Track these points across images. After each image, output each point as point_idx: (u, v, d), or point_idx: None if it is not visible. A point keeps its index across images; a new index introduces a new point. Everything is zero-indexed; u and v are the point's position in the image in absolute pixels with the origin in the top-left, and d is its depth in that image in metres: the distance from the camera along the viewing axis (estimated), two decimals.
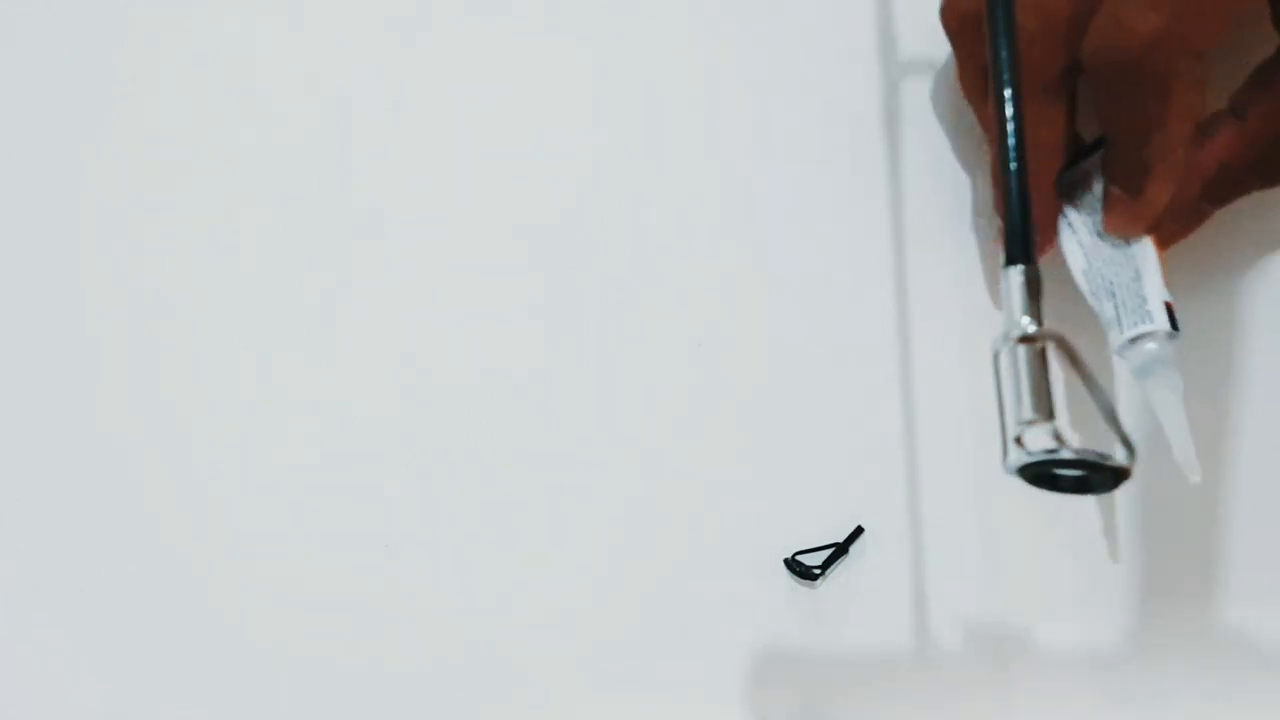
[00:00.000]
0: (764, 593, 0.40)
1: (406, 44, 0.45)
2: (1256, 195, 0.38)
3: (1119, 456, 0.29)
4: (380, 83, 0.44)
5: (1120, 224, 0.37)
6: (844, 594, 0.40)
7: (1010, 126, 0.30)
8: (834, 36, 0.43)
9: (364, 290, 0.43)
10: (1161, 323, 0.35)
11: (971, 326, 0.41)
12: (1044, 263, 0.30)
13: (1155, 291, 0.36)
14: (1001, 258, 0.30)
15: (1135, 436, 0.29)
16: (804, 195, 0.42)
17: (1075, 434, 0.37)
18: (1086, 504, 0.40)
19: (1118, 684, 0.39)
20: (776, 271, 0.42)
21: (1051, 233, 0.38)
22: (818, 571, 0.40)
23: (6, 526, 0.42)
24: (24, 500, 0.42)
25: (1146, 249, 0.37)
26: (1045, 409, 0.28)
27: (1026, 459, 0.29)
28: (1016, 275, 0.29)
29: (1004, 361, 0.29)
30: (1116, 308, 0.36)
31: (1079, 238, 0.38)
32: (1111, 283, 0.37)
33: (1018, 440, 0.29)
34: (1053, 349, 0.29)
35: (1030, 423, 0.29)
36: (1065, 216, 0.38)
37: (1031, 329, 0.29)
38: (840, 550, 0.40)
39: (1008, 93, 0.30)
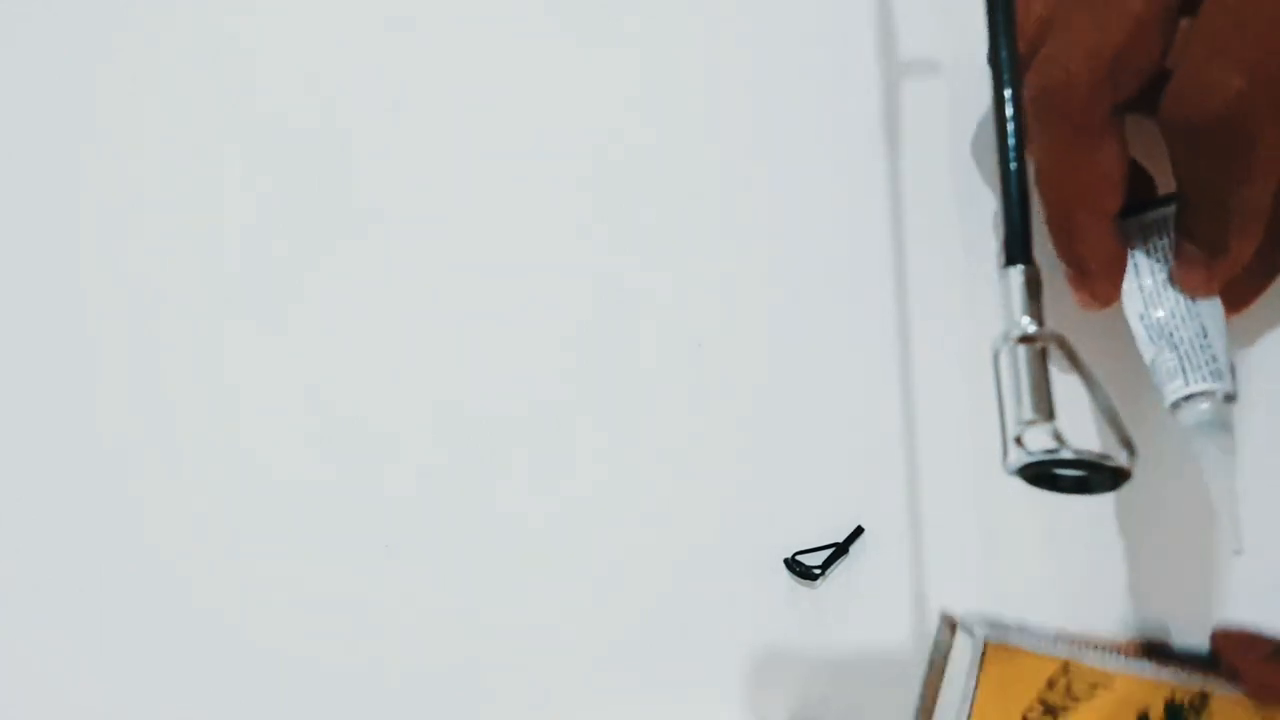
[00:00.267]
0: (764, 593, 0.40)
1: (406, 44, 0.45)
2: None
3: (1119, 457, 0.29)
4: (380, 82, 0.44)
5: (1196, 282, 0.36)
6: (844, 594, 0.40)
7: (1010, 127, 0.30)
8: (834, 37, 0.43)
9: (364, 290, 0.43)
10: (1231, 384, 0.35)
11: (971, 326, 0.41)
12: (1044, 263, 0.30)
13: (1224, 351, 0.35)
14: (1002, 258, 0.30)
15: (1135, 438, 0.29)
16: (804, 195, 0.42)
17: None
18: (1086, 504, 0.40)
19: None
20: (776, 272, 0.42)
21: (1117, 276, 0.37)
22: (818, 571, 0.40)
23: (6, 527, 0.42)
24: (23, 500, 0.42)
25: (1215, 307, 0.36)
26: (1045, 409, 0.28)
27: (1026, 459, 0.29)
28: (1016, 275, 0.29)
29: (1004, 361, 0.29)
30: (1181, 360, 0.35)
31: (1140, 281, 0.37)
32: (1173, 334, 0.36)
33: (1018, 440, 0.29)
34: (1053, 349, 0.29)
35: (1030, 423, 0.29)
36: (1131, 257, 0.37)
37: (1031, 329, 0.29)
38: (840, 550, 0.40)
39: (1008, 93, 0.30)
